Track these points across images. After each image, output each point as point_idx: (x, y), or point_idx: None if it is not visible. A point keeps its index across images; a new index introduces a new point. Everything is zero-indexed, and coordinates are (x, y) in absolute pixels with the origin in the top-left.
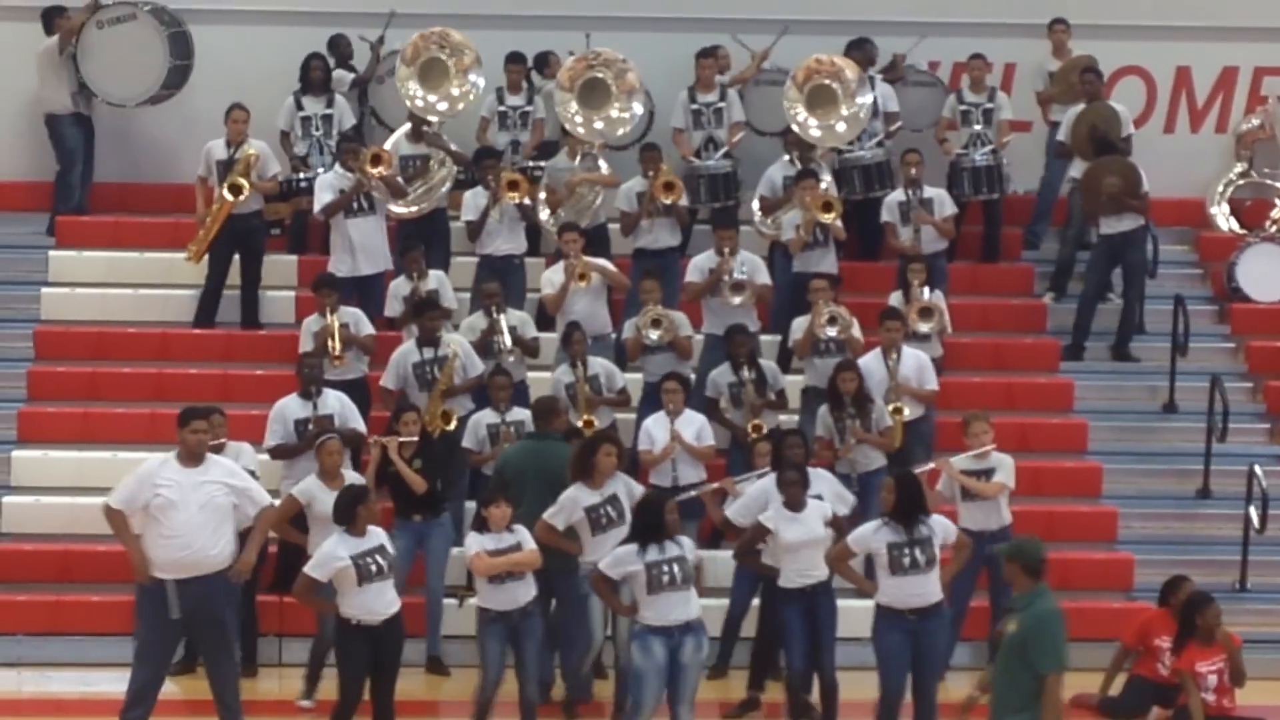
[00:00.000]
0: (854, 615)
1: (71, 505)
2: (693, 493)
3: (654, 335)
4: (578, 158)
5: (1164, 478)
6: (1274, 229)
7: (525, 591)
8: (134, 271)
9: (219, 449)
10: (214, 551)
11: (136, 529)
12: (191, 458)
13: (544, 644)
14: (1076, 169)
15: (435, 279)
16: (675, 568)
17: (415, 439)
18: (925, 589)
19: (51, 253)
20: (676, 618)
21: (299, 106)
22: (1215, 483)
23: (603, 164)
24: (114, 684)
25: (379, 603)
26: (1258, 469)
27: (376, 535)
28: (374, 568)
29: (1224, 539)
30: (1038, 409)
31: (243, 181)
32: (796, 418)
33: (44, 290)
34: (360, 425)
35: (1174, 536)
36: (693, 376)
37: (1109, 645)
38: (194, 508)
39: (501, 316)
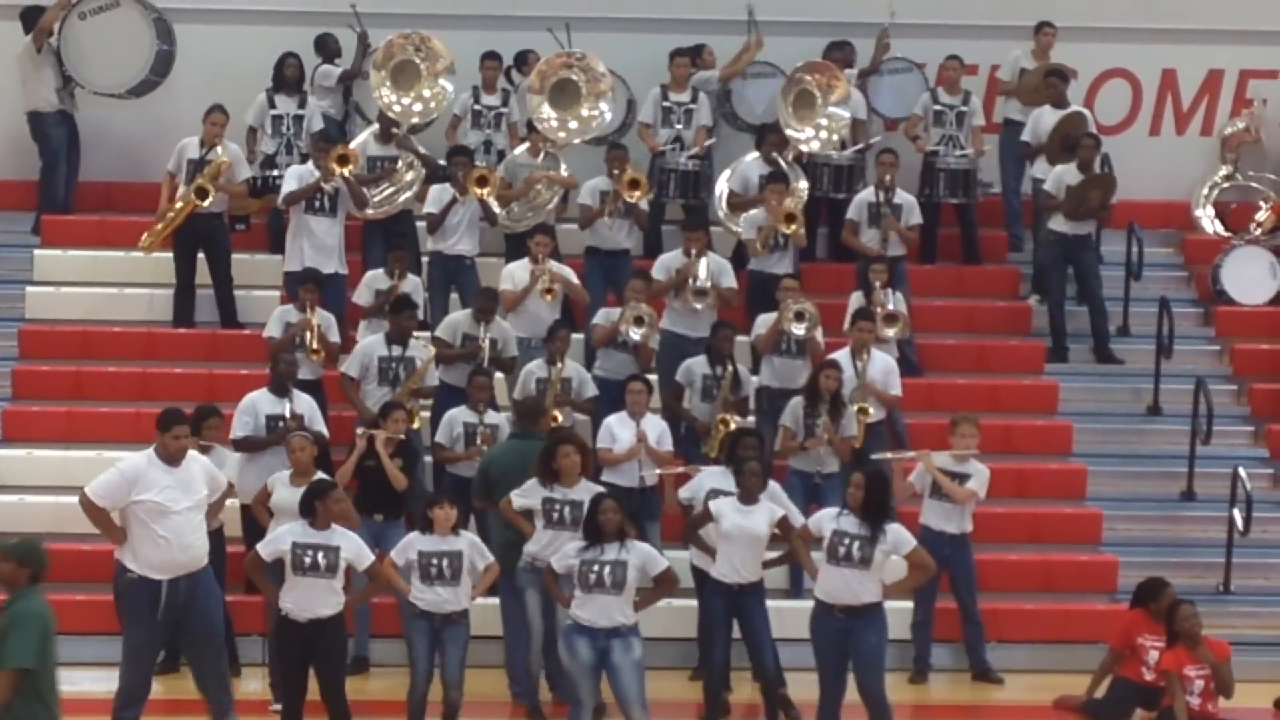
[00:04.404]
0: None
1: (56, 504)
2: (657, 472)
3: (635, 334)
4: (540, 155)
5: (1148, 480)
6: (1259, 232)
7: (454, 599)
8: (119, 270)
9: (206, 450)
10: (202, 547)
11: (118, 521)
12: (173, 459)
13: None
14: (1039, 170)
15: (411, 284)
16: (607, 570)
17: (401, 437)
18: (856, 586)
19: (36, 251)
20: (603, 621)
21: (271, 105)
22: (1199, 485)
23: (563, 166)
24: (97, 683)
25: (305, 599)
26: (1242, 471)
27: (338, 536)
28: (307, 560)
29: (1208, 541)
30: (1022, 411)
31: (209, 187)
32: (753, 419)
33: (29, 289)
34: (325, 429)
35: (1158, 539)
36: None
37: (1092, 647)
38: (185, 509)
39: (487, 333)
